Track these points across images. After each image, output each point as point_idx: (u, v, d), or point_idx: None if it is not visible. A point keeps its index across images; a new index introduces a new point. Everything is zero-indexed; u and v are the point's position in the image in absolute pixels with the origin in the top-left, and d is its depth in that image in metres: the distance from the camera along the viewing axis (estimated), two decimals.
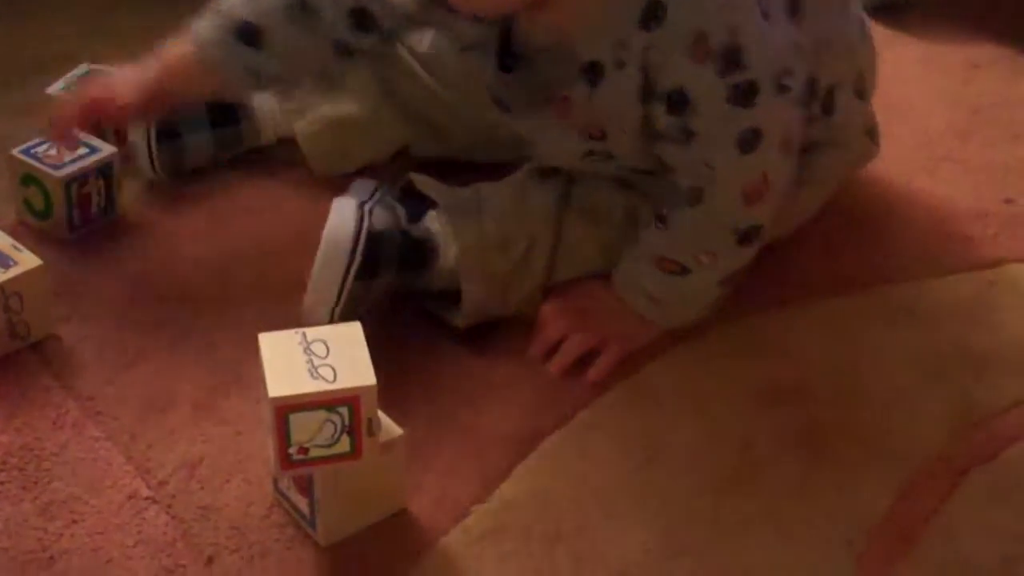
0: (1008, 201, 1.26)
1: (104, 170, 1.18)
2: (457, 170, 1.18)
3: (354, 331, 0.92)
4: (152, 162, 1.22)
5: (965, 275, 1.18)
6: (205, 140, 1.24)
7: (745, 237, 1.04)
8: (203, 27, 1.11)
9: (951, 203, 1.25)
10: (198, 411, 1.02)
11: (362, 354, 0.91)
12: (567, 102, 1.02)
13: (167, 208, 1.23)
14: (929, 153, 1.33)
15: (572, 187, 1.10)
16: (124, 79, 1.14)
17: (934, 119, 1.38)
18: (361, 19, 1.09)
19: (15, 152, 1.17)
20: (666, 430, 1.01)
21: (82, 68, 1.27)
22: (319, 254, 1.02)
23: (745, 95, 0.97)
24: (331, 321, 1.03)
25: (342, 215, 1.04)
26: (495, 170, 1.14)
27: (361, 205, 1.06)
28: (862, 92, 1.12)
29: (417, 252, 1.06)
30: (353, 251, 1.02)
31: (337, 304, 1.03)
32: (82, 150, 1.17)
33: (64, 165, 1.16)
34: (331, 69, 1.17)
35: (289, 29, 1.09)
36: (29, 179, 1.17)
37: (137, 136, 1.21)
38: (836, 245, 1.19)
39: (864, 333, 1.11)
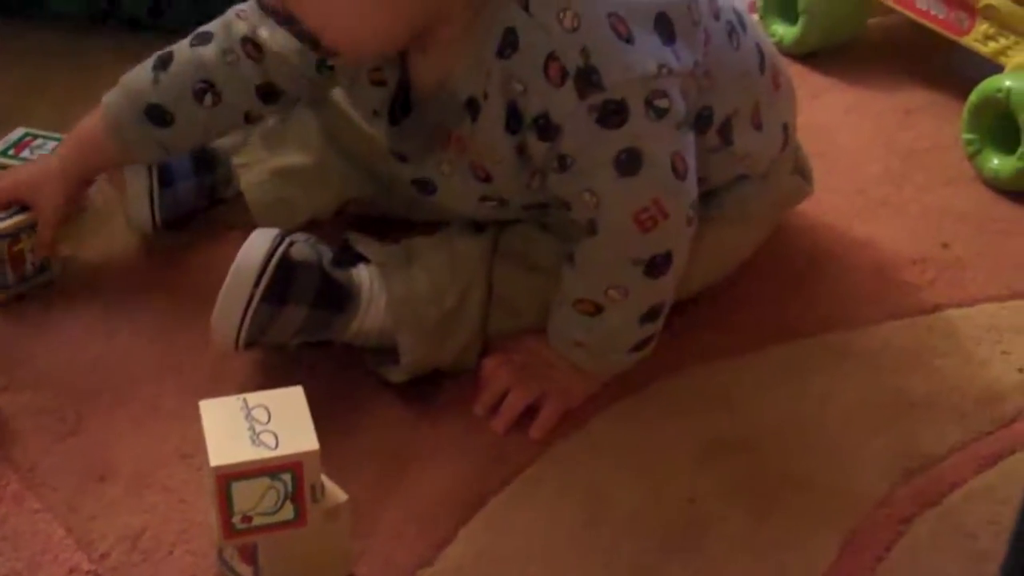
0: (945, 246, 1.27)
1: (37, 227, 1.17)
2: (397, 229, 1.18)
3: (296, 396, 0.92)
4: (153, 213, 1.22)
5: (904, 321, 1.18)
6: (192, 187, 1.24)
7: (652, 268, 1.03)
8: (114, 104, 1.16)
9: (889, 249, 1.27)
10: (139, 480, 1.01)
11: (304, 419, 0.91)
12: (460, 140, 1.04)
13: (104, 272, 1.22)
14: (866, 199, 1.34)
15: (501, 235, 1.11)
16: (47, 176, 1.17)
17: (870, 165, 1.39)
18: (268, 93, 1.14)
19: None
20: (611, 487, 1.01)
21: (18, 132, 1.27)
22: (229, 272, 1.03)
23: (613, 115, 0.98)
24: (236, 342, 1.04)
25: (257, 239, 1.05)
26: (433, 229, 1.13)
27: (282, 235, 1.06)
28: (758, 123, 1.12)
29: (334, 294, 1.06)
30: (262, 272, 1.03)
31: (242, 325, 1.03)
32: (14, 207, 1.17)
33: None
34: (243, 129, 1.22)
35: (198, 110, 1.14)
36: None
37: (136, 187, 1.21)
38: (777, 294, 1.20)
39: (807, 382, 1.11)
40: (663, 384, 1.10)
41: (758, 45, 1.12)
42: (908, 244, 1.28)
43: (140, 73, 1.15)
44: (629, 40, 0.98)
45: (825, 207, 1.29)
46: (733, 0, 1.11)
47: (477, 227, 1.11)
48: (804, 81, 1.50)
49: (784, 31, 1.57)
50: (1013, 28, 1.38)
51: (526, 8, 0.98)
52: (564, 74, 0.97)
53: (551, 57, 0.97)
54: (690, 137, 1.03)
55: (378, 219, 1.23)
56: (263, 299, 1.03)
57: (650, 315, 1.06)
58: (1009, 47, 1.39)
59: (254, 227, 1.20)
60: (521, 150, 1.02)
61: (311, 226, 1.20)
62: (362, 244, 1.10)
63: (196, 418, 0.90)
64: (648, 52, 0.99)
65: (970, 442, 1.06)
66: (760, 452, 1.04)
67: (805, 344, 1.15)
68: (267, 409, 0.90)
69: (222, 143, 1.24)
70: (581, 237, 1.03)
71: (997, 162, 1.35)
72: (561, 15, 0.97)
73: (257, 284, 1.03)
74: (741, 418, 1.07)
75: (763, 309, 1.18)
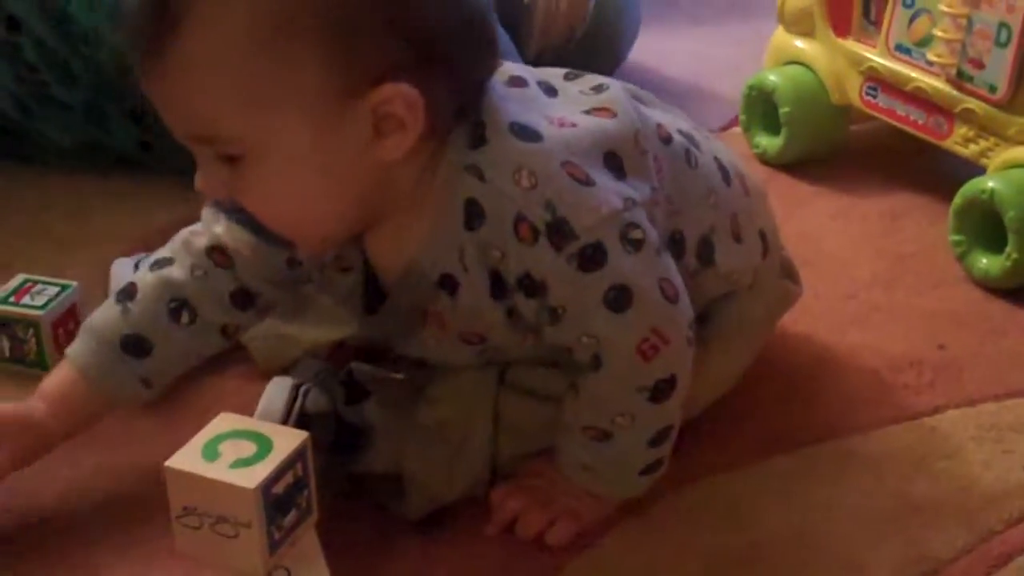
0: (940, 347, 1.29)
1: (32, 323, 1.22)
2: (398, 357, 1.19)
3: (306, 529, 0.92)
4: None
5: (905, 424, 1.19)
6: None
7: (657, 393, 1.03)
8: (83, 351, 1.09)
9: (885, 353, 1.28)
10: None
11: (317, 556, 0.91)
12: (439, 316, 1.04)
13: (116, 410, 1.21)
14: (858, 304, 1.35)
15: (507, 368, 1.10)
16: (26, 426, 1.06)
17: (859, 270, 1.41)
18: (243, 299, 1.10)
19: None
20: None
21: (18, 279, 1.28)
22: None
23: (592, 259, 0.98)
24: None
25: (273, 397, 1.05)
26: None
27: (296, 387, 1.06)
28: (738, 236, 1.13)
29: (349, 437, 1.06)
30: None
31: None
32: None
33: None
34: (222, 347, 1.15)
35: (175, 330, 1.09)
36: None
37: None
38: (777, 404, 1.21)
39: (811, 491, 1.12)
40: (670, 500, 1.10)
41: (716, 158, 1.13)
42: (904, 347, 1.29)
43: (105, 312, 1.10)
44: (588, 183, 0.98)
45: (817, 314, 1.30)
46: (679, 122, 1.12)
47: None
48: (789, 190, 1.52)
49: (767, 142, 1.60)
50: (991, 130, 1.41)
51: (480, 177, 0.97)
52: (535, 232, 0.97)
53: (519, 218, 0.97)
54: (670, 260, 1.03)
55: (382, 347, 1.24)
56: None
57: (658, 438, 1.06)
58: (989, 148, 1.42)
59: (247, 364, 1.23)
60: (511, 313, 1.02)
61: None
62: (367, 377, 1.11)
63: None
64: (609, 189, 0.99)
65: (979, 544, 1.06)
66: (769, 564, 1.04)
67: (807, 453, 1.16)
68: None
69: None
70: (585, 370, 1.03)
71: (986, 261, 1.37)
72: (517, 176, 0.97)
73: None
74: (749, 531, 1.07)
75: (764, 420, 1.19)
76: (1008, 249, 1.35)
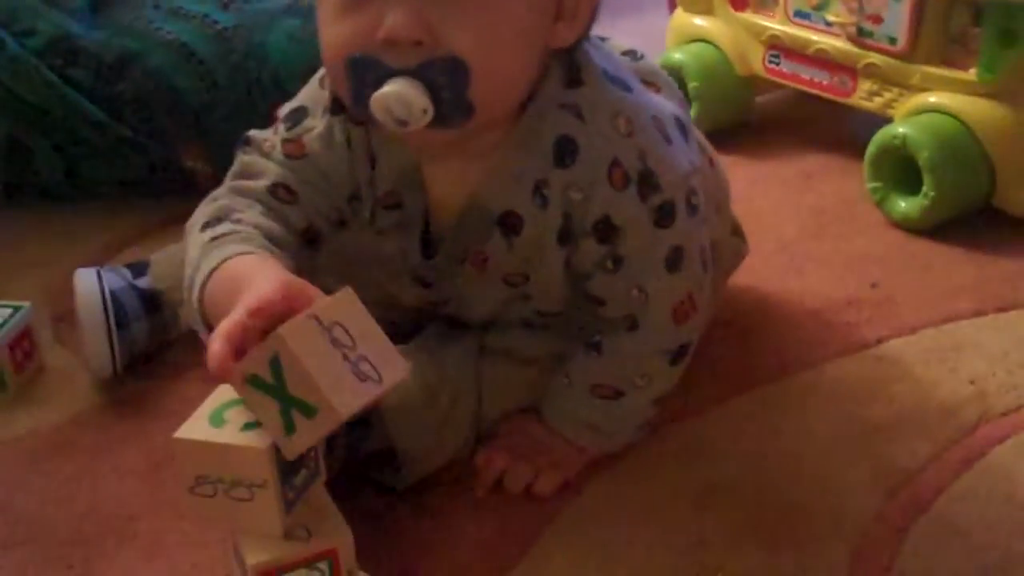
0: (874, 286, 1.35)
1: None
2: None
3: (319, 491, 0.94)
4: (114, 357, 1.21)
5: (854, 356, 1.25)
6: (145, 328, 1.24)
7: (677, 356, 1.08)
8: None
9: (824, 296, 1.34)
10: None
11: (334, 513, 0.92)
12: (483, 257, 1.05)
13: (75, 428, 1.21)
14: (791, 256, 1.41)
15: (487, 335, 1.13)
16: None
17: (786, 226, 1.47)
18: (311, 238, 1.05)
19: None
20: (622, 544, 1.04)
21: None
22: None
23: (665, 216, 1.02)
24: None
25: None
26: (410, 333, 1.16)
27: None
28: (718, 208, 1.18)
29: None
30: None
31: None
32: None
33: None
34: None
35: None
36: None
37: (93, 330, 1.21)
38: (729, 351, 1.26)
39: (779, 423, 1.16)
40: (644, 446, 1.13)
41: (698, 141, 1.16)
42: (840, 289, 1.35)
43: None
44: (669, 141, 1.02)
45: (756, 268, 1.35)
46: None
47: (459, 327, 1.14)
48: None
49: None
50: (894, 81, 1.48)
51: (579, 116, 0.99)
52: (627, 179, 0.99)
53: (614, 163, 0.99)
54: (705, 230, 1.08)
55: None
56: None
57: (661, 398, 1.11)
58: (894, 99, 1.49)
59: None
60: (568, 259, 1.04)
61: None
62: None
63: (205, 544, 0.90)
64: (682, 152, 1.04)
65: (941, 452, 1.12)
66: (752, 489, 1.08)
67: (767, 392, 1.21)
68: None
69: (164, 283, 1.24)
70: (615, 331, 1.06)
71: (904, 204, 1.44)
72: (615, 121, 0.99)
73: None
74: (731, 462, 1.12)
75: (719, 366, 1.23)
76: (924, 189, 1.41)
